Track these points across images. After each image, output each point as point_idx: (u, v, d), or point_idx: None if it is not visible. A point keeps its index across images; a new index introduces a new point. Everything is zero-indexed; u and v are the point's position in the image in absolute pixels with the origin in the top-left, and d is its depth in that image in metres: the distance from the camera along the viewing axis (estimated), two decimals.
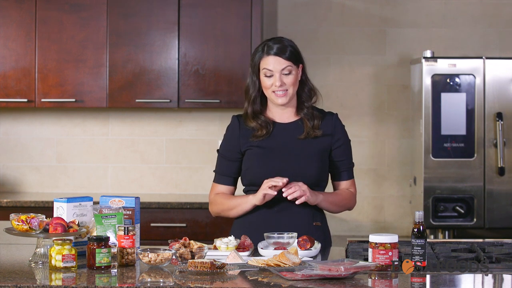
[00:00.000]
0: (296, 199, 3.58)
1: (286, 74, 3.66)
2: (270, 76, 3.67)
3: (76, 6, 5.73)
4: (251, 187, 3.73)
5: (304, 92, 3.76)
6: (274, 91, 3.67)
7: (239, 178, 3.81)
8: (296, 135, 3.72)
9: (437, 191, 5.56)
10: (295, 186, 3.57)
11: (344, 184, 3.81)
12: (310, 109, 3.75)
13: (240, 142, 3.74)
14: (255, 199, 3.63)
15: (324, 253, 3.56)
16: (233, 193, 3.83)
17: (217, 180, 3.81)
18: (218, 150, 3.85)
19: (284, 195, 3.57)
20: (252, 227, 3.66)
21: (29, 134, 6.12)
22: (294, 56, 3.70)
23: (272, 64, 3.66)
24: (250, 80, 3.74)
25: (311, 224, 3.71)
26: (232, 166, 3.77)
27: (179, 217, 5.56)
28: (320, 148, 3.72)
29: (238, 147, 3.74)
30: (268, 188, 3.56)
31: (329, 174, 3.81)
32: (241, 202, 3.71)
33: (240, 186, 3.83)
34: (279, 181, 3.56)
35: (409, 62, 6.04)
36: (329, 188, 3.80)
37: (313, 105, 3.78)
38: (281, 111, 3.76)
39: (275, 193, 3.57)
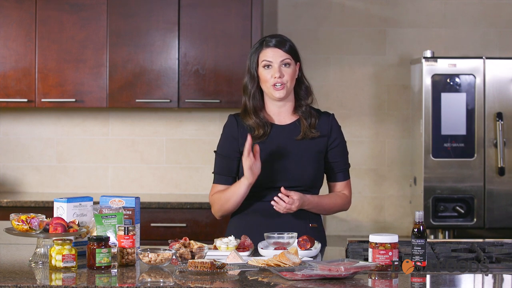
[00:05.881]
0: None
1: (285, 66, 3.66)
2: (269, 68, 3.66)
3: (76, 6, 5.73)
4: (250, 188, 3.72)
5: (302, 90, 3.75)
6: (273, 84, 3.64)
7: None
8: (293, 136, 3.71)
9: (437, 191, 5.56)
10: (287, 203, 3.55)
11: (339, 185, 3.79)
12: (307, 107, 3.74)
13: (238, 141, 3.71)
14: (245, 179, 3.60)
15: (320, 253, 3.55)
16: None
17: (217, 180, 3.78)
18: (215, 151, 3.81)
19: (275, 207, 3.57)
20: (247, 228, 3.65)
21: (29, 134, 6.12)
22: (293, 51, 3.70)
23: (271, 55, 3.66)
24: (248, 76, 3.72)
25: (307, 225, 3.70)
26: (231, 166, 3.74)
27: (179, 217, 5.56)
28: (317, 150, 3.71)
29: (236, 147, 3.72)
30: (248, 167, 3.56)
31: (325, 175, 3.79)
32: (234, 189, 3.67)
33: None
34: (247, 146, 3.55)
35: (409, 62, 6.03)
36: (324, 188, 3.79)
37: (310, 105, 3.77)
38: (279, 109, 3.74)
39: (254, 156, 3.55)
